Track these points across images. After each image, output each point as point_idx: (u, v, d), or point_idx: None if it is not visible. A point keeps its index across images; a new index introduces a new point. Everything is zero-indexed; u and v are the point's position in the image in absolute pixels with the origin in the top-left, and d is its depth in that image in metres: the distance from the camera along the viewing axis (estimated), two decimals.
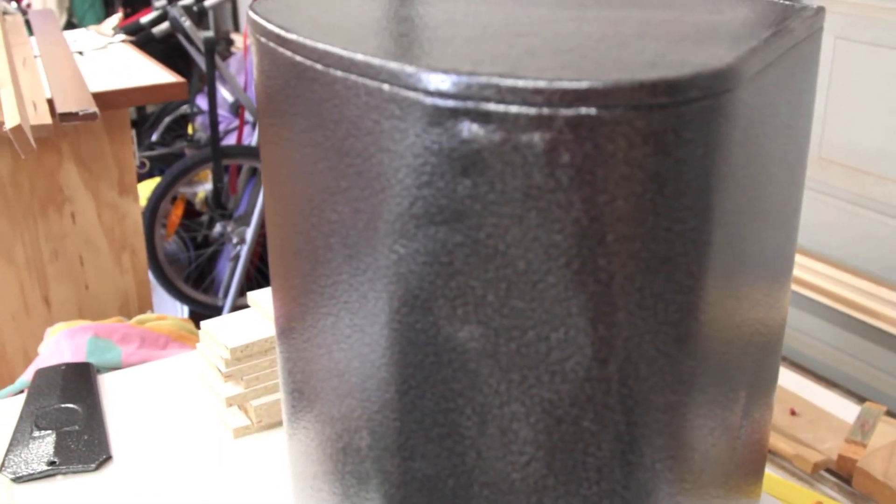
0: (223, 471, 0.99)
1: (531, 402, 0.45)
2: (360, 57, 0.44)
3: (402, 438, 0.49)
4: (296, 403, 0.61)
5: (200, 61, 2.39)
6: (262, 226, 2.48)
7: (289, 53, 0.50)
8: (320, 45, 0.47)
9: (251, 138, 2.74)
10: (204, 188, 2.70)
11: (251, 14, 0.56)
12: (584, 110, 0.39)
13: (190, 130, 3.10)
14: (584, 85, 0.38)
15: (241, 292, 2.56)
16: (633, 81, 0.38)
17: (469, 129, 0.41)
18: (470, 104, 0.41)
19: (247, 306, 1.74)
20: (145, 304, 1.77)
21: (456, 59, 0.43)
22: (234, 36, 3.46)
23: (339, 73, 0.46)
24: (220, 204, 2.51)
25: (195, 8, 2.42)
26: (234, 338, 1.06)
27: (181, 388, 1.15)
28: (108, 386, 1.14)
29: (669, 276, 0.42)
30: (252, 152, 2.51)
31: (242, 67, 2.95)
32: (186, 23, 2.30)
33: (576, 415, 0.44)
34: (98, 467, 0.97)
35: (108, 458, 0.99)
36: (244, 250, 2.55)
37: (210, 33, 2.30)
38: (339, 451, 0.55)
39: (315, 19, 0.53)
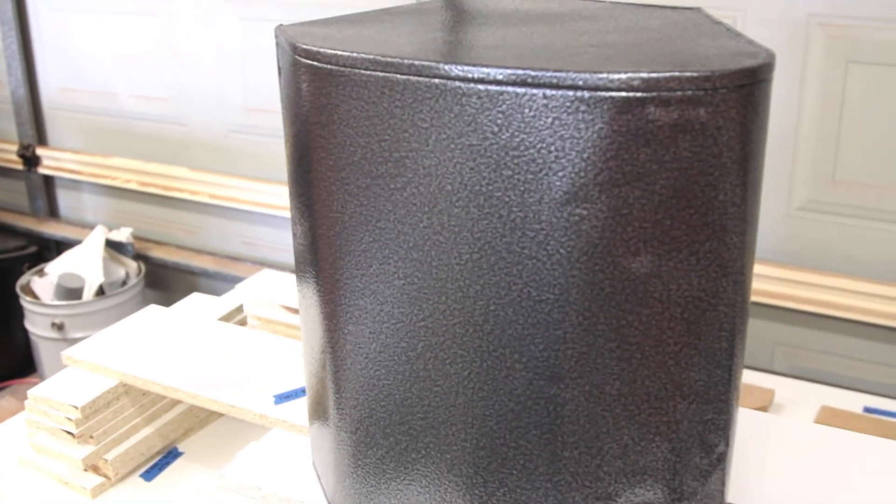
0: None
1: (685, 294, 0.64)
2: (534, 72, 0.60)
3: (579, 354, 0.65)
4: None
5: None
6: None
7: (458, 84, 0.62)
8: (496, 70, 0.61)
9: None
10: None
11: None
12: (722, 90, 0.59)
13: None
14: (731, 68, 0.59)
15: None
16: (739, 68, 0.59)
17: (653, 112, 0.59)
18: (653, 94, 0.59)
19: None
20: None
21: (615, 63, 0.60)
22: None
23: (511, 89, 0.61)
24: None
25: None
26: (78, 397, 1.06)
27: None
28: None
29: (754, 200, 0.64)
30: None
31: None
32: None
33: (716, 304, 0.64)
34: None
35: None
36: None
37: None
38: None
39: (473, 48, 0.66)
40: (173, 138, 1.93)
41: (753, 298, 1.50)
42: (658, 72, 0.58)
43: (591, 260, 0.63)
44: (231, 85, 1.82)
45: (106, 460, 1.09)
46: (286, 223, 1.83)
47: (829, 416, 1.34)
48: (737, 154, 0.61)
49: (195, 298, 1.34)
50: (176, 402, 1.18)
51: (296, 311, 1.25)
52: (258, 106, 1.83)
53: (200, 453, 1.16)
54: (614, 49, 0.65)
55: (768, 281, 1.49)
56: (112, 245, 1.91)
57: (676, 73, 0.58)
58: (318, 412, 0.86)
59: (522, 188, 0.63)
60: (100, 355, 1.13)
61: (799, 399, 1.41)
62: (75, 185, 2.11)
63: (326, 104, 0.71)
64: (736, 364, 0.67)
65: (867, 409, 1.40)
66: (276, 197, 1.79)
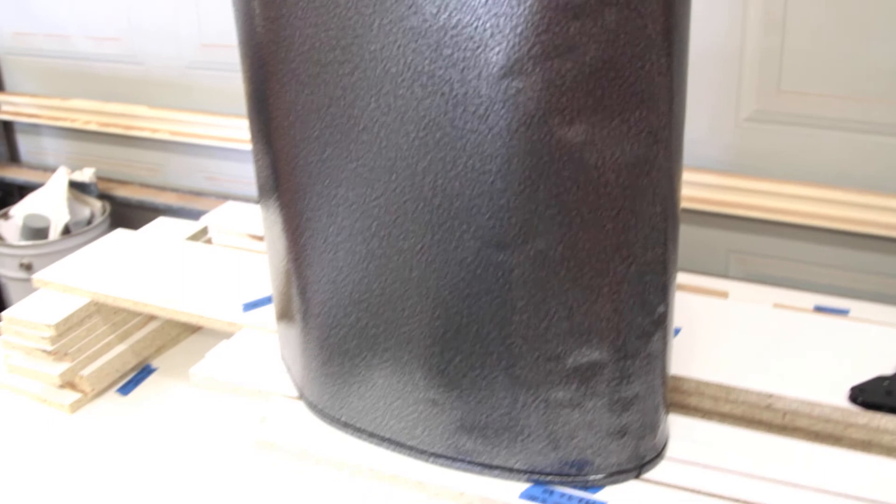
0: (73, 447, 1.03)
1: (619, 161, 0.69)
2: None
3: (522, 221, 0.70)
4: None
5: None
6: None
7: None
8: None
9: None
10: None
11: None
12: None
13: None
14: None
15: None
16: None
17: None
18: None
19: None
20: None
21: None
22: None
23: None
24: None
25: None
26: (51, 315, 1.09)
27: None
28: None
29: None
30: None
31: None
32: None
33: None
34: None
35: None
36: None
37: None
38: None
39: None
40: (131, 77, 1.94)
41: (706, 208, 1.55)
42: None
43: (529, 130, 0.67)
44: (185, 21, 1.83)
45: (82, 376, 1.13)
46: (249, 157, 1.86)
47: None
48: (661, 26, 0.65)
49: (161, 222, 1.37)
50: (148, 320, 1.22)
51: (261, 239, 1.29)
52: (214, 41, 1.85)
53: (173, 369, 1.19)
54: None
55: (720, 190, 1.55)
56: (76, 186, 1.93)
57: None
58: (285, 306, 0.90)
59: (462, 65, 0.67)
60: (70, 276, 1.16)
61: (752, 300, 1.47)
62: (35, 129, 2.12)
63: (275, 2, 0.74)
64: (670, 227, 0.72)
65: (818, 308, 1.46)
66: (238, 130, 1.82)
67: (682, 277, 1.51)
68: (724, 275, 1.61)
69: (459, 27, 0.66)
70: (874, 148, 1.44)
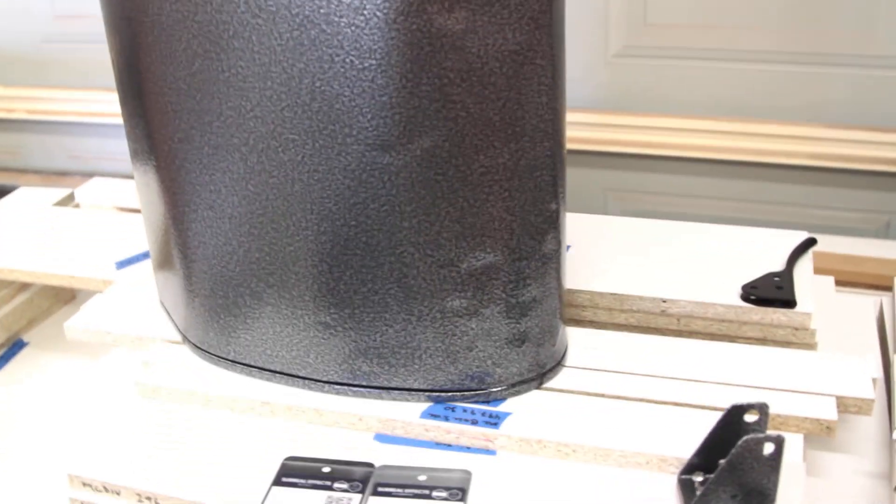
0: None
1: (502, 49, 0.67)
2: None
3: (406, 119, 0.67)
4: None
5: None
6: None
7: None
8: None
9: None
10: None
11: None
12: None
13: None
14: None
15: None
16: None
17: None
18: None
19: None
20: None
21: None
22: None
23: None
24: None
25: None
26: None
27: None
28: None
29: None
30: None
31: None
32: None
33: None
34: None
35: None
36: None
37: None
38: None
39: None
40: None
41: (580, 147, 1.56)
42: None
43: (408, 20, 0.64)
44: None
45: None
46: (115, 130, 1.78)
47: None
48: None
49: (25, 192, 1.29)
50: (16, 292, 1.15)
51: (132, 211, 1.22)
52: (67, 12, 1.76)
53: (47, 342, 1.13)
54: None
55: (593, 128, 1.55)
56: None
57: None
58: (163, 245, 0.85)
59: None
60: None
61: None
62: None
63: None
64: (557, 119, 0.70)
65: None
66: (101, 104, 1.74)
67: None
68: (603, 213, 1.62)
69: None
70: (742, 76, 1.47)
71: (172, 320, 0.89)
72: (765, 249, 0.93)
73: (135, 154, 0.83)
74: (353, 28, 0.65)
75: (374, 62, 0.66)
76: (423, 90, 0.66)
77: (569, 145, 1.53)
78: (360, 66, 0.66)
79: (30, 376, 1.05)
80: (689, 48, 1.47)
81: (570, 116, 1.52)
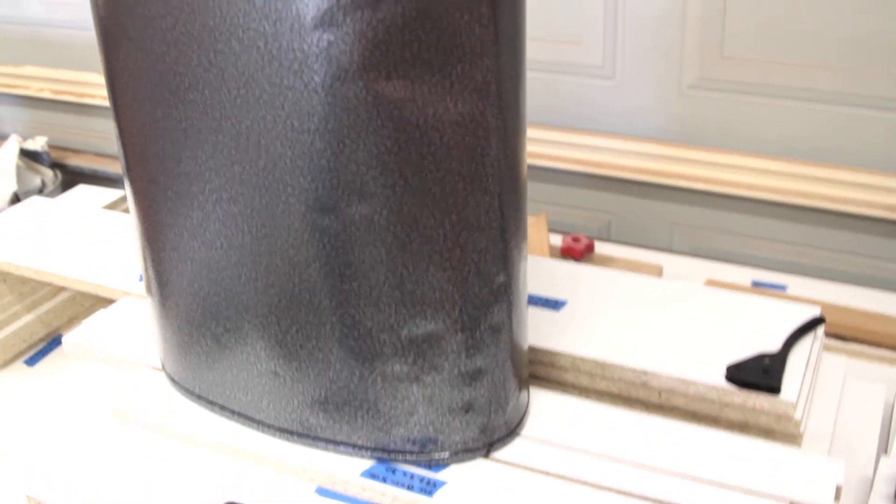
0: None
1: (442, 119, 0.65)
2: None
3: (345, 183, 0.66)
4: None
5: None
6: None
7: None
8: None
9: None
10: None
11: None
12: None
13: None
14: None
15: None
16: None
17: None
18: None
19: None
20: None
21: None
22: None
23: None
24: None
25: None
26: None
27: None
28: None
29: None
30: None
31: None
32: None
33: None
34: None
35: None
36: None
37: None
38: None
39: None
40: (83, 43, 1.91)
41: (648, 178, 1.51)
42: None
43: (345, 85, 0.63)
44: None
45: None
46: None
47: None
48: None
49: (82, 190, 1.35)
50: (58, 290, 1.20)
51: None
52: None
53: None
54: None
55: (664, 161, 1.50)
56: (27, 154, 1.91)
57: None
58: (145, 276, 0.87)
59: (275, 17, 0.63)
60: None
61: (688, 274, 1.43)
62: None
63: None
64: (505, 191, 0.68)
65: (755, 283, 1.41)
66: None
67: (619, 250, 1.47)
68: (668, 248, 1.56)
69: None
70: (818, 117, 1.39)
71: (157, 347, 0.91)
72: (769, 324, 0.88)
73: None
74: (293, 91, 0.65)
75: (312, 125, 0.65)
76: (360, 156, 0.65)
77: (638, 176, 1.49)
78: (301, 128, 0.66)
79: (60, 375, 1.10)
80: (764, 84, 1.40)
81: (639, 146, 1.48)
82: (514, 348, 0.74)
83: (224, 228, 0.72)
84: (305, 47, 0.63)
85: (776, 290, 1.38)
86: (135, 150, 0.76)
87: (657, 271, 1.40)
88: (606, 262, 1.41)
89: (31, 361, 1.16)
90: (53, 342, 1.19)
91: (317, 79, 0.64)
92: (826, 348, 1.13)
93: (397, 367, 0.72)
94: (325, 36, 0.62)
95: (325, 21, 0.62)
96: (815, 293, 1.34)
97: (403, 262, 0.68)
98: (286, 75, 0.64)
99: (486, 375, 0.73)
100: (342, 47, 0.62)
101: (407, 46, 0.62)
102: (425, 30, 0.62)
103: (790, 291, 1.36)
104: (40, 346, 1.19)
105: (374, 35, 0.62)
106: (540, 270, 0.97)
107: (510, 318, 0.72)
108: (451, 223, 0.67)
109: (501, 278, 0.70)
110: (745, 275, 1.43)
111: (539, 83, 1.55)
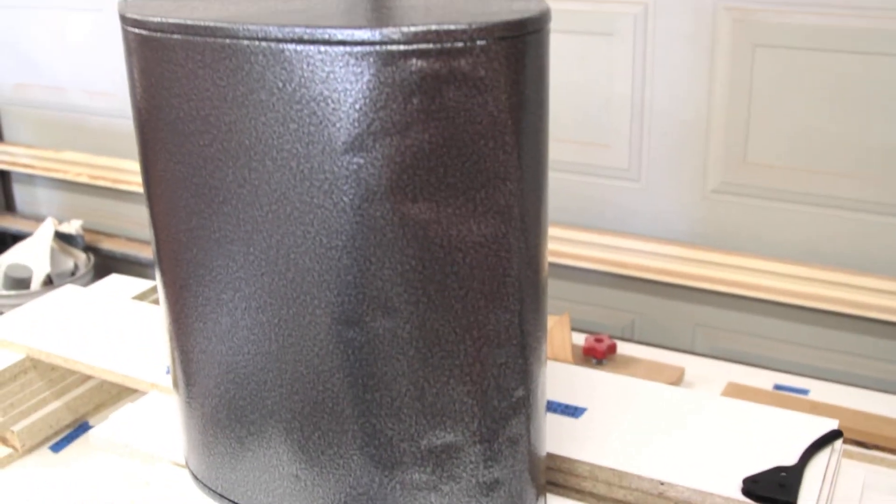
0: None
1: (466, 240, 0.67)
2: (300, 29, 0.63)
3: (370, 299, 0.69)
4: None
5: None
6: None
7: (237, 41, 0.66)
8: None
9: None
10: None
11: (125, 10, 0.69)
12: (481, 42, 0.62)
13: None
14: (492, 21, 0.62)
15: None
16: (499, 21, 0.63)
17: (416, 63, 0.63)
18: (413, 47, 0.62)
19: None
20: None
21: (383, 19, 0.64)
22: None
23: (290, 46, 0.64)
24: None
25: None
26: None
27: None
28: None
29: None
30: None
31: None
32: None
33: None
34: None
35: None
36: None
37: None
38: None
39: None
40: (122, 132, 1.98)
41: (672, 280, 1.53)
42: (416, 25, 0.61)
43: (372, 206, 0.66)
44: None
45: (13, 431, 1.13)
46: None
47: (734, 392, 1.36)
48: (504, 104, 0.64)
49: (114, 279, 1.38)
50: (86, 378, 1.22)
51: None
52: None
53: None
54: (405, 10, 0.68)
55: (687, 263, 1.52)
56: (62, 237, 1.96)
57: (434, 27, 0.61)
58: (173, 374, 0.89)
59: (307, 140, 0.66)
60: (6, 330, 1.17)
61: (710, 376, 1.43)
62: (30, 179, 2.16)
63: (145, 69, 0.74)
64: (526, 309, 0.70)
65: (777, 387, 1.42)
66: None
67: (642, 351, 1.48)
68: (690, 348, 1.57)
69: (304, 101, 0.66)
70: (839, 223, 1.41)
71: (182, 443, 0.92)
72: (788, 436, 0.89)
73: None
74: (323, 209, 0.67)
75: (340, 242, 0.68)
76: (385, 273, 0.68)
77: (661, 277, 1.51)
78: (329, 245, 0.68)
79: (84, 463, 1.11)
80: (786, 190, 1.42)
81: (663, 248, 1.50)
82: (531, 458, 0.76)
83: (252, 335, 0.75)
84: (336, 169, 0.66)
85: (798, 394, 1.39)
86: (169, 254, 0.79)
87: (679, 373, 1.41)
88: (629, 362, 1.42)
89: (57, 448, 1.18)
90: (79, 429, 1.21)
91: (346, 199, 0.66)
92: (846, 454, 1.13)
93: (416, 476, 0.73)
94: (356, 159, 0.65)
95: (356, 146, 0.65)
96: (837, 398, 1.34)
97: (425, 374, 0.70)
98: (316, 195, 0.67)
99: (503, 486, 0.74)
100: (371, 171, 0.65)
101: (433, 171, 0.65)
102: (451, 156, 0.65)
103: (812, 396, 1.37)
104: (66, 433, 1.20)
105: (401, 160, 0.65)
106: (561, 376, 0.98)
107: (528, 429, 0.74)
108: (472, 339, 0.69)
109: (520, 392, 0.72)
110: (767, 378, 1.44)
111: (566, 184, 1.58)
